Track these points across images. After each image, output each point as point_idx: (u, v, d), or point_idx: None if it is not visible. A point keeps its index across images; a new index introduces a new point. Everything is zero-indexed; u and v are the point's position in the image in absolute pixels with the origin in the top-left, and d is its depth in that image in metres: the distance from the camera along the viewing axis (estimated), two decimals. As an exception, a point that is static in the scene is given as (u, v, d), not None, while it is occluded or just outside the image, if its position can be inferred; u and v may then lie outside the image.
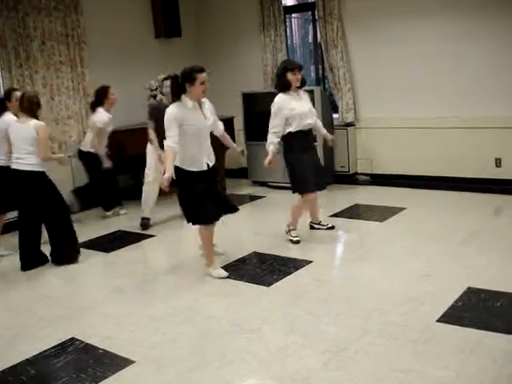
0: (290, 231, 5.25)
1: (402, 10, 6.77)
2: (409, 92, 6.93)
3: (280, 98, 4.99)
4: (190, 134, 4.27)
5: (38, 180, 4.97)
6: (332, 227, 5.50)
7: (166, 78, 5.64)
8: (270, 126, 5.01)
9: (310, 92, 5.81)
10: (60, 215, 5.10)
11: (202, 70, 4.27)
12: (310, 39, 8.42)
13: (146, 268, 5.07)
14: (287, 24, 8.12)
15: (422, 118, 6.90)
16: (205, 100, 4.43)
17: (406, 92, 6.96)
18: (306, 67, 8.62)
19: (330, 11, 7.19)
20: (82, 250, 5.33)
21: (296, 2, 8.92)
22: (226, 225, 4.92)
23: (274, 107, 4.99)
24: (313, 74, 8.22)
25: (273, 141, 5.00)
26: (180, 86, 4.28)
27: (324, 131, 5.44)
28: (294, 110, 4.96)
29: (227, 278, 4.46)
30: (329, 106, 7.28)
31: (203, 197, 4.37)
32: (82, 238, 5.56)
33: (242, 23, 8.05)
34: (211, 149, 4.49)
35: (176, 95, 4.31)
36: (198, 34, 8.48)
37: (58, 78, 6.81)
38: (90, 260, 5.23)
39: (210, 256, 4.60)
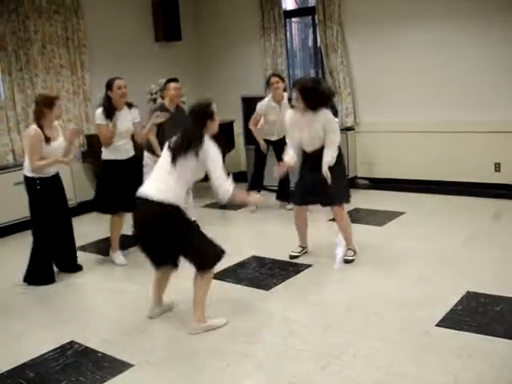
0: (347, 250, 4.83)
1: (402, 13, 6.78)
2: (408, 96, 6.94)
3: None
4: None
5: (28, 186, 4.64)
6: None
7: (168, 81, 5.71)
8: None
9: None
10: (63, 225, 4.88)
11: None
12: (310, 43, 8.42)
13: (146, 272, 5.06)
14: (287, 28, 8.13)
15: (422, 122, 6.90)
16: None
17: (405, 96, 6.96)
18: (306, 71, 8.67)
19: (330, 15, 7.21)
20: (81, 253, 5.32)
21: (296, 7, 8.93)
22: (225, 229, 4.89)
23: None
24: (313, 78, 8.21)
25: (288, 151, 4.69)
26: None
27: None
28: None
29: (226, 281, 4.38)
30: (329, 109, 7.26)
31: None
32: (81, 241, 5.57)
33: (242, 27, 8.07)
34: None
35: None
36: (198, 38, 8.49)
37: (59, 81, 6.81)
38: (90, 263, 5.22)
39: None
